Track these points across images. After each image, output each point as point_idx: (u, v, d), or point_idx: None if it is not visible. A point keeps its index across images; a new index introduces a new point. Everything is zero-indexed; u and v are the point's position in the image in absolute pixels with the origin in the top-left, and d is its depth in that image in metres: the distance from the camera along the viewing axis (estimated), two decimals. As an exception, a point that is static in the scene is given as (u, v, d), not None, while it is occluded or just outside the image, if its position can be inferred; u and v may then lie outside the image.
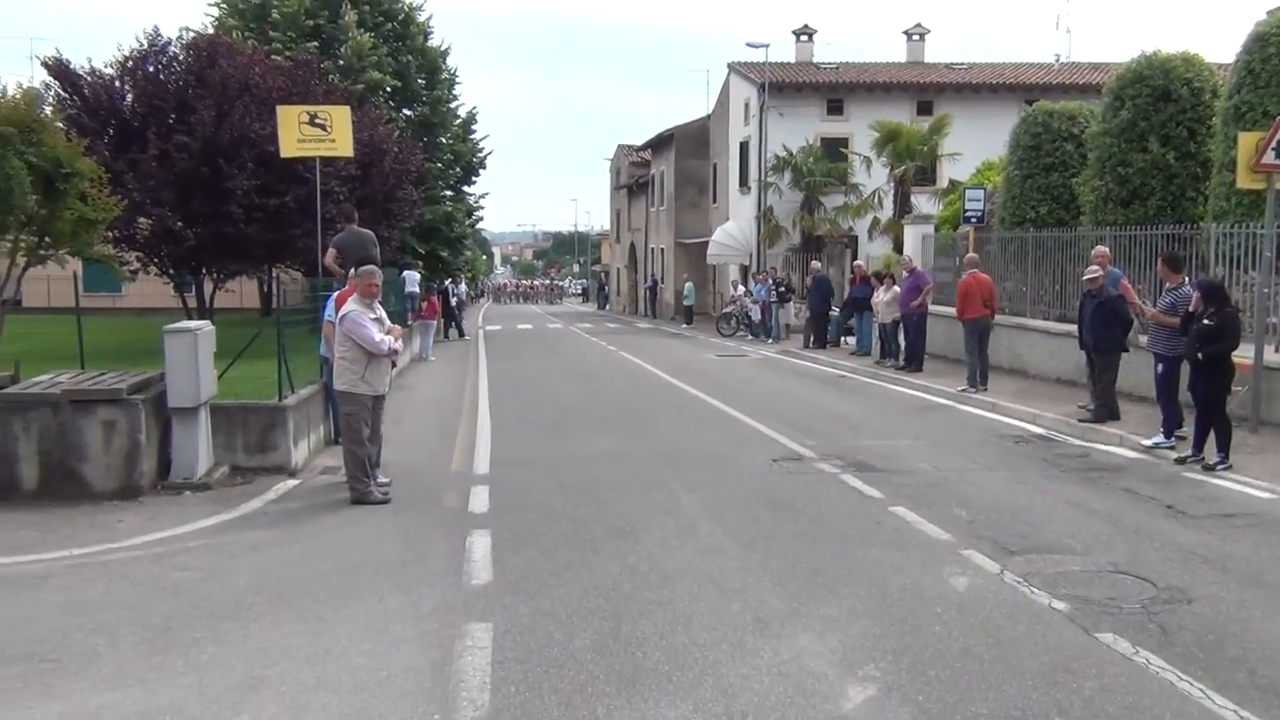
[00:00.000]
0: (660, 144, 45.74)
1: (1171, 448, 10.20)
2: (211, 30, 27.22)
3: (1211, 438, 9.59)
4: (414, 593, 6.09)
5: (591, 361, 22.34)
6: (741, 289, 30.83)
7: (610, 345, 26.65)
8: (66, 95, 19.32)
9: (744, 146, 36.30)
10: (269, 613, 5.79)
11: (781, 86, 33.84)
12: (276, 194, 19.15)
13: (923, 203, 28.59)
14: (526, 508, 8.18)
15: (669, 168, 44.11)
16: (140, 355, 12.55)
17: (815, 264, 26.04)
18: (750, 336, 28.08)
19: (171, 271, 21.48)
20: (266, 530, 7.77)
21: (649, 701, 4.55)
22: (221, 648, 5.24)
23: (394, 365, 9.22)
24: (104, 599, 6.08)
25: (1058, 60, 38.59)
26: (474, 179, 38.28)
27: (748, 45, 32.74)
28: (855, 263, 24.91)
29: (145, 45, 20.77)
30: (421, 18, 34.39)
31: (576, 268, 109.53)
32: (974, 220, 18.58)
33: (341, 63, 29.65)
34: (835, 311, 23.76)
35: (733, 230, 35.88)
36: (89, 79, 19.60)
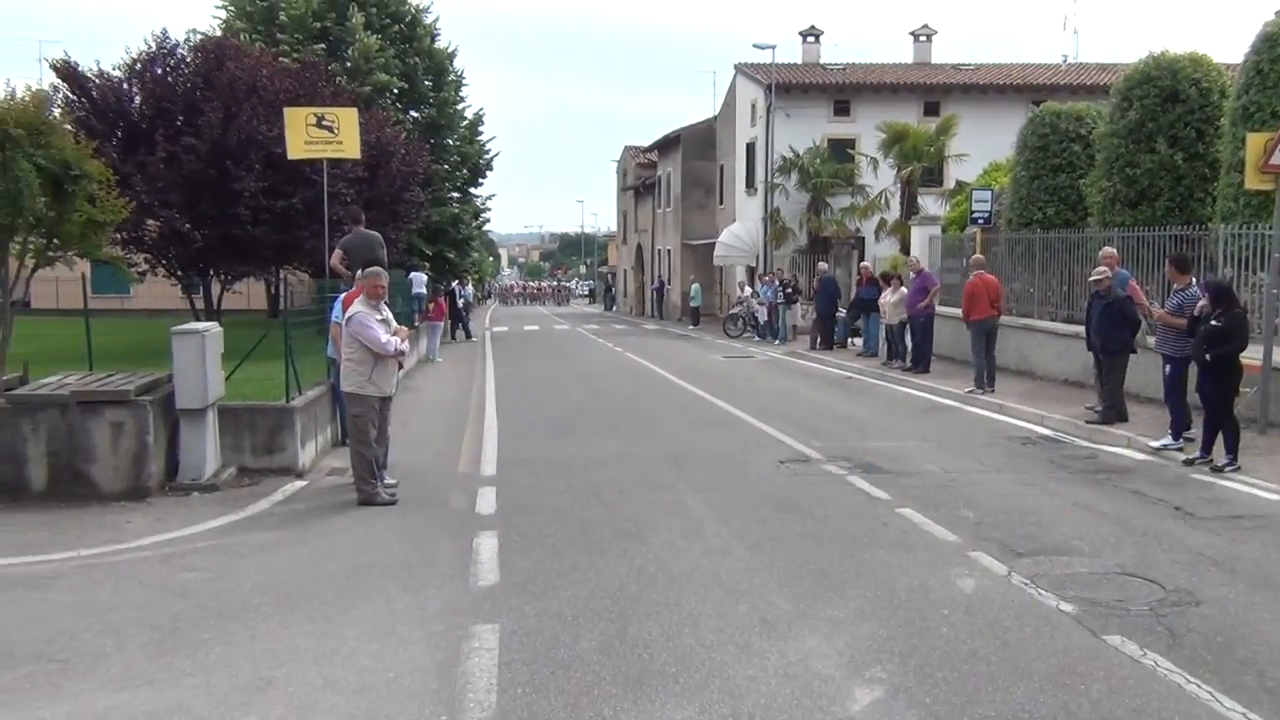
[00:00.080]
0: (667, 145, 45.75)
1: (1180, 449, 10.18)
2: (219, 32, 27.28)
3: (1220, 439, 9.55)
4: (421, 594, 6.10)
5: (598, 363, 22.35)
6: (748, 290, 30.82)
7: (617, 346, 26.66)
8: (75, 97, 19.36)
9: (750, 148, 36.27)
10: (276, 614, 5.80)
11: (788, 87, 33.82)
12: (284, 196, 19.16)
13: (930, 204, 28.52)
14: (533, 509, 8.19)
15: (676, 169, 44.11)
16: (148, 356, 12.60)
17: (822, 265, 26.01)
18: (757, 338, 28.06)
19: (179, 273, 21.51)
20: (274, 531, 7.79)
21: (656, 703, 4.55)
22: (229, 648, 5.26)
23: (401, 366, 9.22)
24: (112, 599, 6.10)
25: (1065, 61, 38.56)
26: (481, 180, 38.30)
27: (754, 46, 32.75)
28: (862, 264, 24.89)
29: (153, 47, 20.81)
30: (428, 20, 34.44)
31: (583, 269, 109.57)
32: (981, 221, 18.56)
33: (349, 64, 29.66)
34: (842, 313, 23.75)
35: (739, 231, 35.86)
36: (97, 81, 19.64)
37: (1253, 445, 10.12)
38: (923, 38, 39.05)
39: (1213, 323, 9.42)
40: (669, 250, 45.49)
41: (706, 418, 13.51)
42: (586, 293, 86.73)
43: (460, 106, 36.12)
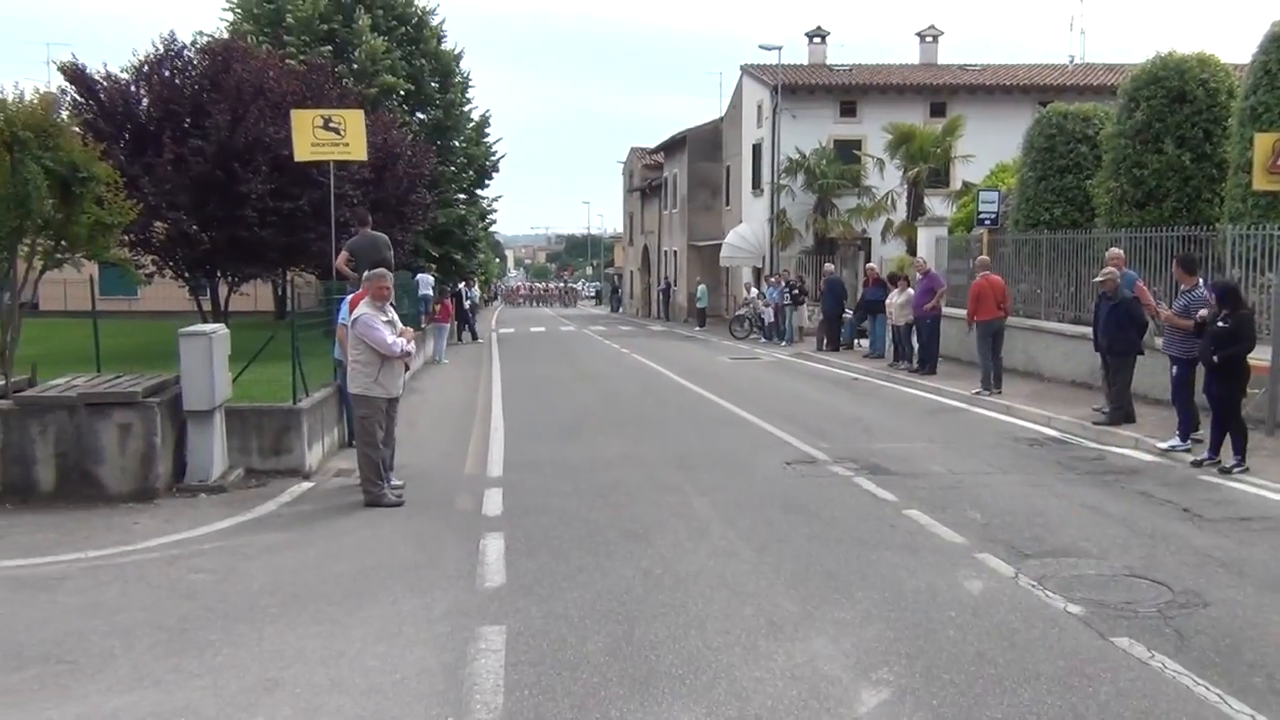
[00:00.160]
0: (673, 147, 45.77)
1: (1187, 450, 10.15)
2: (226, 35, 27.35)
3: (1228, 441, 9.53)
4: (428, 595, 6.11)
5: (604, 364, 22.35)
6: (754, 291, 30.81)
7: (623, 348, 26.66)
8: (83, 100, 19.44)
9: (757, 149, 36.26)
10: (283, 615, 5.81)
11: (794, 88, 33.80)
12: (291, 198, 19.22)
13: (936, 205, 28.50)
14: (540, 511, 8.19)
15: (682, 170, 44.13)
16: (156, 358, 12.63)
17: (828, 266, 25.99)
18: (763, 339, 28.04)
19: (187, 275, 21.57)
20: (281, 533, 7.80)
21: (662, 705, 4.55)
22: (236, 650, 5.27)
23: (407, 368, 9.24)
24: (120, 601, 6.12)
25: (1072, 61, 38.42)
26: (487, 182, 38.32)
27: (760, 47, 32.74)
28: (868, 265, 24.87)
29: (161, 50, 20.88)
30: (435, 21, 34.49)
31: (590, 270, 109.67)
32: (988, 222, 18.53)
33: (355, 67, 29.71)
34: (848, 314, 23.71)
35: (745, 233, 35.86)
36: (105, 84, 19.71)
37: (1261, 446, 10.09)
38: (929, 38, 38.99)
39: (1220, 324, 9.40)
40: (675, 251, 45.52)
41: (713, 419, 13.51)
42: (593, 294, 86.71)
43: (467, 108, 36.16)
